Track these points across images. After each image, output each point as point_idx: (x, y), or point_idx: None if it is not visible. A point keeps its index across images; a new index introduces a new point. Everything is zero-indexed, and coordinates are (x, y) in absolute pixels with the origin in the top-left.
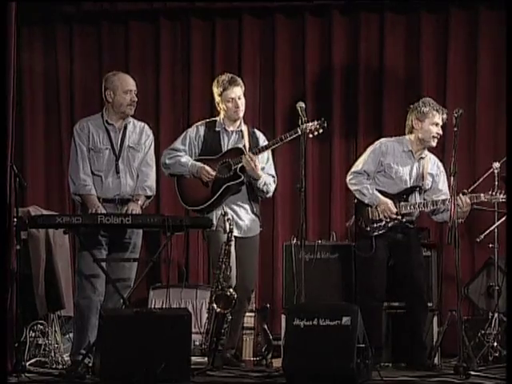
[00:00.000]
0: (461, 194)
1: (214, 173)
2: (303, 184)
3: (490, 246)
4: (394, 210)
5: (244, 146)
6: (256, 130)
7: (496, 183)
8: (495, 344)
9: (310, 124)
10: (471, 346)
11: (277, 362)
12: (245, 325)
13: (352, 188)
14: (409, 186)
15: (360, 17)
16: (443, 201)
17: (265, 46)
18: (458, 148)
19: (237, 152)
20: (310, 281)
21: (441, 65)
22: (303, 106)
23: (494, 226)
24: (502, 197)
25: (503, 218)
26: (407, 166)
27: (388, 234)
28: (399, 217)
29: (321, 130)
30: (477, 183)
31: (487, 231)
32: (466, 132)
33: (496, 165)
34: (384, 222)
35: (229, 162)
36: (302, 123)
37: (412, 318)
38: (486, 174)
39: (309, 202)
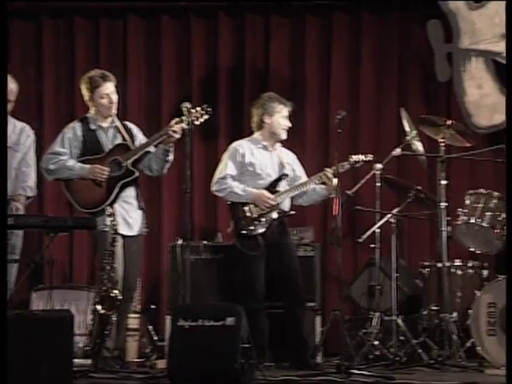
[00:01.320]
0: (324, 172)
1: (108, 169)
2: (189, 184)
3: (372, 246)
4: (272, 196)
5: (124, 140)
6: (127, 123)
7: (378, 184)
8: (376, 343)
9: (194, 111)
10: (353, 345)
11: (161, 364)
12: (129, 326)
13: (222, 194)
14: (275, 177)
15: (245, 18)
16: (311, 180)
17: (150, 47)
18: (340, 149)
19: (122, 148)
20: (196, 281)
21: (324, 67)
22: (189, 106)
23: (375, 227)
24: (362, 158)
25: (384, 219)
26: (267, 160)
27: (266, 233)
28: (278, 205)
29: (206, 116)
30: (359, 184)
31: (369, 232)
32: (348, 134)
33: (378, 166)
34: (263, 219)
35: (118, 159)
36: (188, 124)
37: (291, 316)
38: (368, 176)
39: (195, 202)
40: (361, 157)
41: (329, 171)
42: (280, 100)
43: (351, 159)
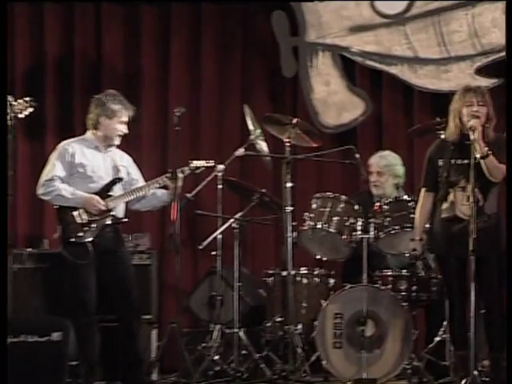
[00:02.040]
0: (164, 177)
1: None
2: (12, 186)
3: (213, 253)
4: (103, 202)
5: None
6: None
7: (220, 187)
8: (216, 357)
9: (16, 103)
10: (191, 361)
11: None
12: None
13: (48, 197)
14: (108, 180)
15: (73, 5)
16: (148, 184)
17: None
18: (180, 147)
19: None
20: (18, 293)
21: (162, 59)
22: (11, 99)
23: (217, 233)
24: (203, 163)
25: (226, 224)
26: (99, 162)
27: (97, 240)
28: (110, 211)
29: (31, 109)
30: (199, 187)
31: (210, 238)
32: (188, 132)
33: (220, 167)
34: (94, 225)
35: None
36: (10, 119)
37: (125, 329)
38: (209, 178)
39: (18, 206)
40: (202, 162)
41: (169, 175)
42: (123, 103)
43: (192, 165)
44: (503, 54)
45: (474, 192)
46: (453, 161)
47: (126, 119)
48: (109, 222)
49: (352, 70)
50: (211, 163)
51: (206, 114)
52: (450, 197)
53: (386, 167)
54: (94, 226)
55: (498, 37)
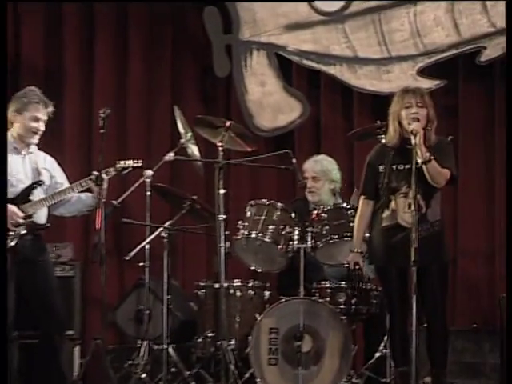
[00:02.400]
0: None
1: None
2: None
3: (141, 264)
4: (21, 214)
5: None
6: None
7: (148, 193)
8: (143, 376)
9: None
10: (117, 379)
11: None
12: None
13: None
14: (27, 184)
15: None
16: (71, 187)
17: None
18: (105, 152)
19: None
20: None
21: (86, 57)
22: None
23: (145, 242)
24: (130, 163)
25: (155, 233)
26: (18, 165)
27: (16, 248)
28: (28, 219)
29: None
30: (126, 193)
31: (137, 248)
32: (114, 135)
33: (148, 173)
34: (11, 232)
35: None
36: None
37: (48, 346)
38: (137, 184)
39: None
40: (129, 162)
41: (93, 177)
42: (38, 97)
43: (118, 165)
44: (446, 54)
45: (416, 199)
46: (394, 166)
47: (39, 115)
48: (24, 231)
49: (288, 69)
50: (139, 163)
51: (133, 115)
52: (392, 204)
53: (322, 172)
54: (11, 233)
55: (441, 36)
